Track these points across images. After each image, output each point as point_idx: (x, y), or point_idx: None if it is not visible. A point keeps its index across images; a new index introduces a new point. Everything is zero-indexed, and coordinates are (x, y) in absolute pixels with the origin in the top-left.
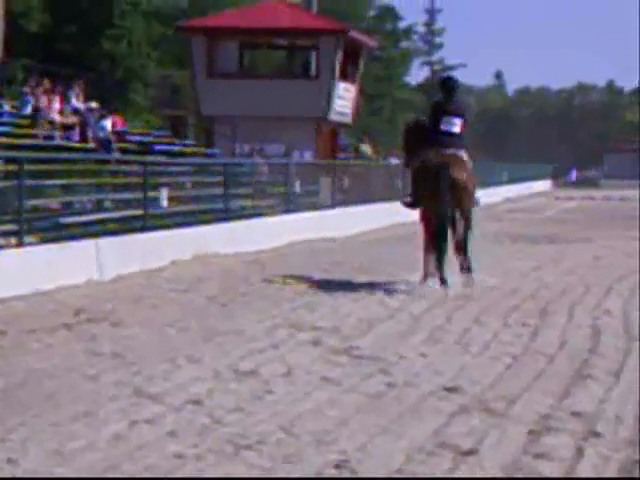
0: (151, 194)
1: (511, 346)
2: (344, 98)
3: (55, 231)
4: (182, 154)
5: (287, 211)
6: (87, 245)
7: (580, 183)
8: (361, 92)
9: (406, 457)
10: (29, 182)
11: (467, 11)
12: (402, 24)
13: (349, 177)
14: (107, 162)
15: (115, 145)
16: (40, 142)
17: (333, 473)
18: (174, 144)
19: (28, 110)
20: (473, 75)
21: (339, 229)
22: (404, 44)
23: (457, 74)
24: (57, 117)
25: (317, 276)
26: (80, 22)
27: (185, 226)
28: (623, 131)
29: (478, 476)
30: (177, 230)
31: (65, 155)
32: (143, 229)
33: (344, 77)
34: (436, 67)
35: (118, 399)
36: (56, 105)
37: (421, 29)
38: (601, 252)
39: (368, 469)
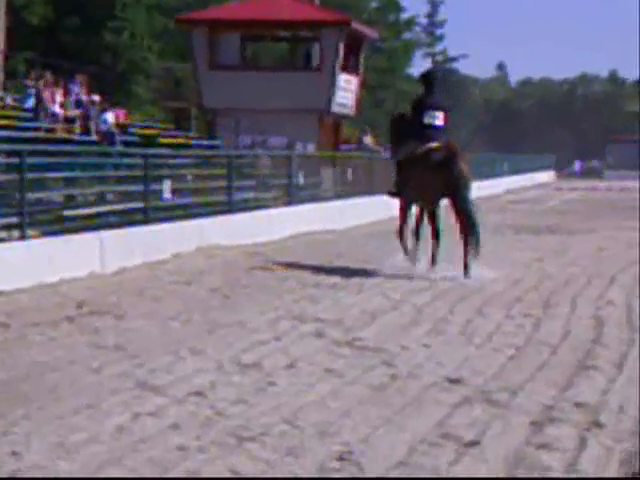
0: (154, 187)
1: (514, 337)
2: (346, 90)
3: (58, 224)
4: (185, 146)
5: (290, 203)
6: (90, 238)
7: (583, 174)
8: (363, 84)
9: (409, 448)
10: (31, 175)
11: (469, 2)
12: (404, 15)
13: (352, 169)
14: (109, 155)
15: (118, 138)
16: (42, 135)
17: (336, 465)
18: (176, 136)
19: (30, 103)
20: (475, 66)
21: (342, 221)
22: (406, 35)
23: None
24: (59, 110)
25: (319, 267)
26: (82, 14)
27: (188, 218)
28: (625, 122)
29: (481, 468)
30: (180, 222)
31: (67, 148)
32: (146, 222)
33: (346, 69)
34: (438, 58)
35: (121, 391)
36: (58, 98)
37: (423, 20)
38: (604, 243)
39: (371, 461)
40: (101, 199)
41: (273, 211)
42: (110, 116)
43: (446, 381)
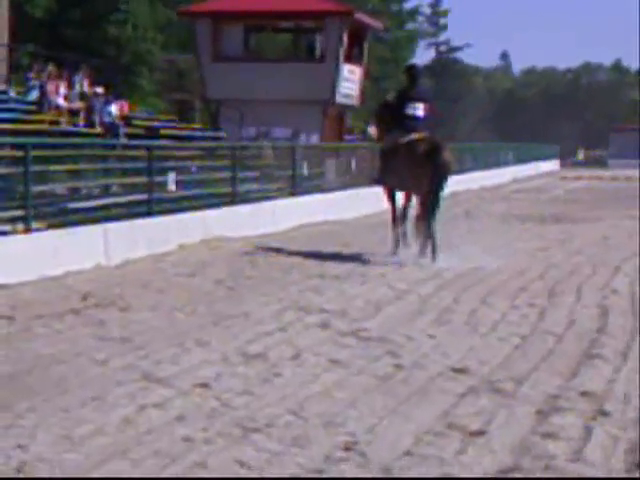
0: (158, 178)
1: (519, 326)
2: (350, 80)
3: (62, 216)
4: (189, 138)
5: (294, 194)
6: (94, 230)
7: (587, 163)
8: (367, 74)
9: (415, 438)
10: (35, 168)
11: None
12: (407, 5)
13: (356, 159)
14: (113, 147)
15: (122, 130)
16: (46, 127)
17: (342, 455)
18: (180, 128)
19: (34, 96)
20: (479, 56)
21: (346, 211)
22: (409, 26)
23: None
24: (63, 102)
25: (324, 258)
26: (85, 7)
27: (192, 210)
28: (629, 111)
29: (487, 457)
30: (184, 214)
31: (71, 140)
32: (150, 213)
33: (350, 59)
34: (442, 48)
35: (126, 383)
36: (62, 90)
37: (426, 10)
38: (609, 232)
39: (377, 451)
40: (105, 191)
41: (277, 202)
42: (114, 108)
43: (451, 371)
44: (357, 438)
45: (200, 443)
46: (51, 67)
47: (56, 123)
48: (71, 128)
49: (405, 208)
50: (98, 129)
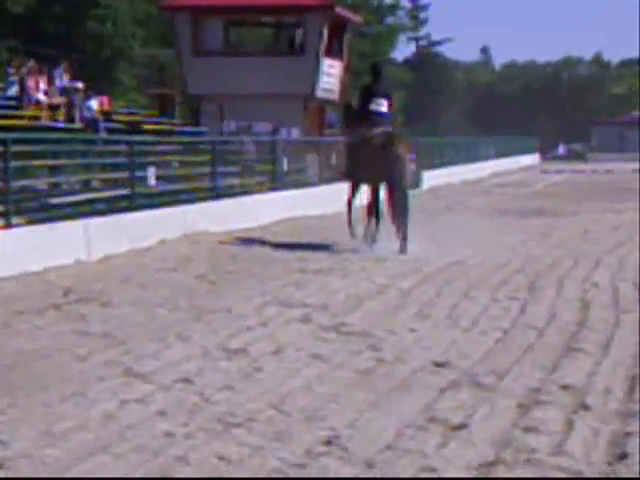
0: (139, 174)
1: (500, 320)
2: (330, 75)
3: (43, 212)
4: (169, 133)
5: (275, 189)
6: (75, 225)
7: (568, 157)
8: (347, 69)
9: (396, 432)
10: (16, 163)
11: None
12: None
13: (336, 154)
14: (94, 142)
15: (103, 125)
16: (26, 123)
17: (324, 449)
18: (161, 123)
19: (13, 91)
20: (459, 50)
21: (327, 206)
22: (390, 20)
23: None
24: (43, 98)
25: (305, 253)
26: (65, 2)
27: (173, 205)
28: (610, 105)
29: (468, 451)
30: (165, 209)
31: (52, 135)
32: (131, 208)
33: (330, 54)
34: (422, 43)
35: (108, 379)
36: (42, 86)
37: (407, 4)
38: (589, 225)
39: (358, 445)
40: (86, 186)
41: (258, 197)
42: (94, 103)
43: (433, 365)
44: (339, 432)
45: (181, 438)
46: (31, 62)
47: (36, 118)
48: (51, 123)
49: (375, 204)
50: (78, 124)
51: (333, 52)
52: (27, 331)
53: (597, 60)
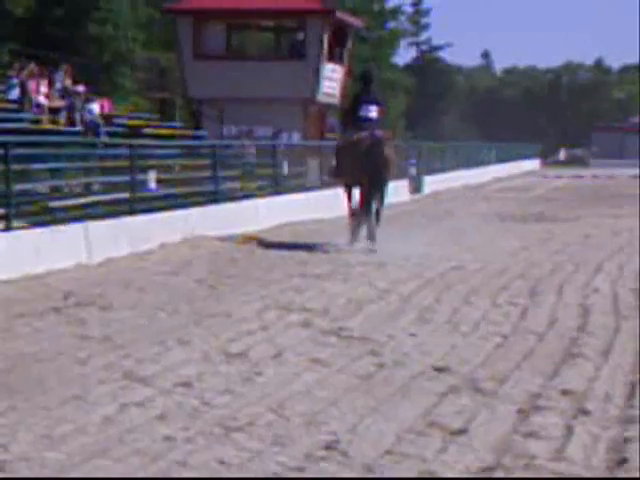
0: (140, 177)
1: (500, 325)
2: (332, 79)
3: (43, 215)
4: (170, 137)
5: (276, 193)
6: (76, 229)
7: (568, 162)
8: (349, 73)
9: (396, 437)
10: (17, 166)
11: None
12: (389, 4)
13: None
14: (95, 146)
15: (104, 128)
16: (27, 126)
17: (323, 454)
18: (161, 127)
19: (15, 94)
20: (460, 55)
21: (328, 210)
22: (391, 25)
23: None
24: (44, 101)
25: (305, 257)
26: (66, 5)
27: (174, 209)
28: (611, 110)
29: (468, 456)
30: (166, 213)
31: (53, 138)
32: (132, 212)
33: (331, 58)
34: (423, 47)
35: (108, 382)
36: (43, 89)
37: (408, 9)
38: (590, 231)
39: (358, 450)
40: (87, 190)
41: (259, 201)
42: (95, 106)
43: (433, 370)
44: (338, 437)
45: (181, 442)
46: (32, 65)
47: (37, 121)
48: (52, 127)
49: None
50: (79, 127)
51: (334, 57)
52: (27, 334)
53: (598, 66)
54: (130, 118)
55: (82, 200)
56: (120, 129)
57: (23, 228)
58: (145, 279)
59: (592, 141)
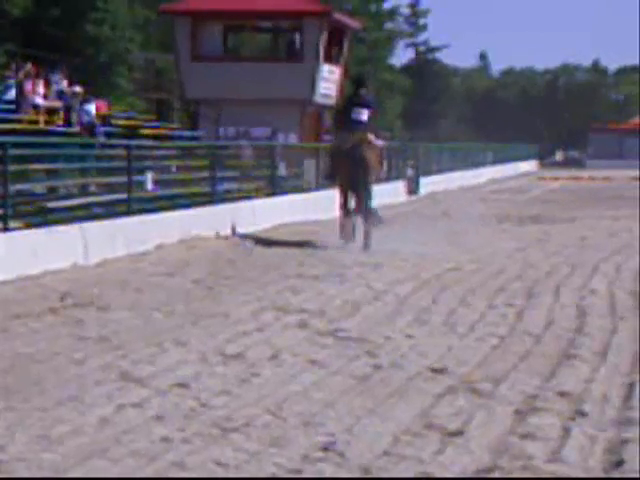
0: (136, 178)
1: (497, 327)
2: (329, 80)
3: (40, 216)
4: (167, 137)
5: (272, 194)
6: (72, 229)
7: (565, 164)
8: (346, 74)
9: (393, 439)
10: (14, 167)
11: None
12: (386, 5)
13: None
14: (92, 146)
15: (101, 129)
16: (24, 127)
17: (320, 455)
18: (159, 128)
19: (11, 94)
20: (457, 56)
21: (324, 211)
22: (388, 26)
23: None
24: (41, 101)
25: (302, 258)
26: (63, 6)
27: (170, 210)
28: (608, 112)
29: (465, 458)
30: (163, 214)
31: (50, 139)
32: (129, 213)
33: (328, 59)
34: (420, 49)
35: (104, 383)
36: (40, 89)
37: (405, 10)
38: (586, 232)
39: (355, 451)
40: (84, 190)
41: (256, 202)
42: (92, 107)
43: (430, 371)
44: (335, 438)
45: (178, 443)
46: (29, 66)
47: (34, 122)
48: (49, 127)
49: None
50: (76, 128)
51: (331, 58)
52: (24, 335)
53: (595, 67)
54: (127, 119)
55: (79, 201)
56: (117, 130)
57: (20, 229)
58: (142, 280)
59: (589, 143)
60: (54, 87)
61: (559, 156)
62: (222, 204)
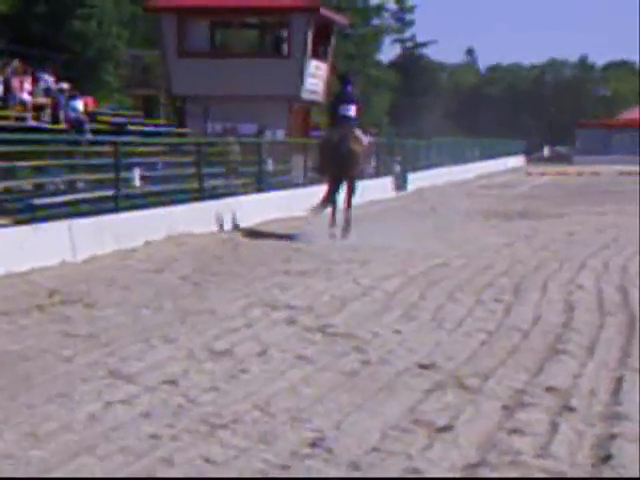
0: (124, 174)
1: (485, 322)
2: (316, 76)
3: (28, 212)
4: (153, 134)
5: (260, 190)
6: (60, 226)
7: (552, 159)
8: (333, 70)
9: (381, 434)
10: (0, 164)
11: None
12: (373, 1)
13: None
14: (79, 143)
15: (88, 126)
16: (11, 123)
17: (309, 451)
18: (146, 124)
19: None
20: (444, 52)
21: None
22: (375, 21)
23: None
24: (28, 98)
25: (289, 254)
26: (50, 2)
27: (158, 206)
28: (595, 107)
29: (453, 453)
30: (150, 210)
31: (37, 136)
32: (116, 209)
33: (316, 55)
34: (407, 44)
35: (93, 380)
36: (27, 86)
37: (392, 6)
38: (574, 228)
39: (343, 447)
40: (71, 187)
41: (243, 198)
42: (79, 103)
43: (418, 367)
44: (324, 434)
45: (166, 439)
46: (16, 62)
47: (21, 119)
48: (36, 124)
49: (333, 194)
50: (63, 125)
51: (318, 54)
52: (11, 332)
53: (582, 63)
54: (114, 115)
55: (66, 197)
56: (104, 126)
57: (7, 226)
58: (130, 277)
59: (576, 138)
60: (41, 84)
61: (546, 151)
62: (210, 200)
